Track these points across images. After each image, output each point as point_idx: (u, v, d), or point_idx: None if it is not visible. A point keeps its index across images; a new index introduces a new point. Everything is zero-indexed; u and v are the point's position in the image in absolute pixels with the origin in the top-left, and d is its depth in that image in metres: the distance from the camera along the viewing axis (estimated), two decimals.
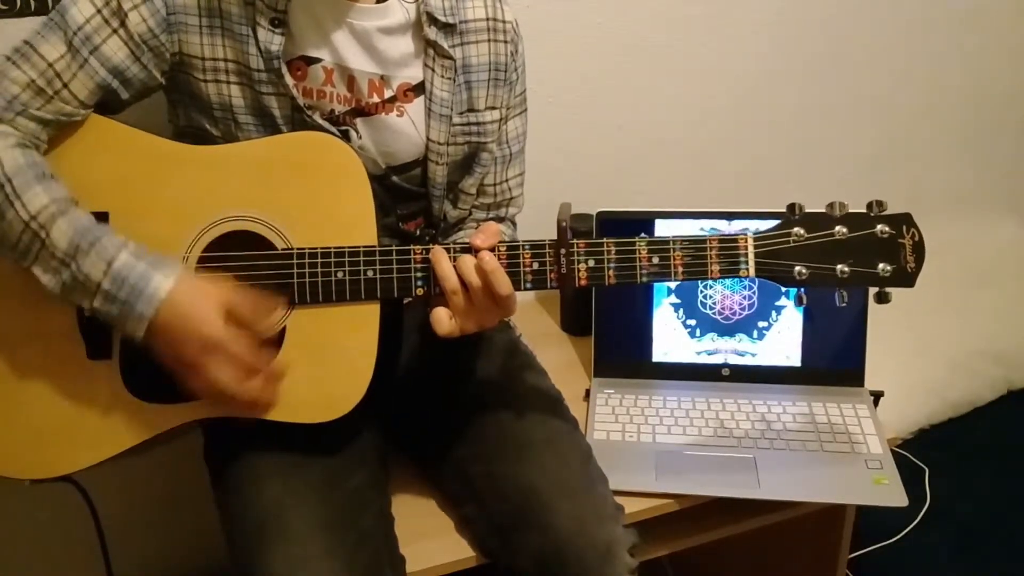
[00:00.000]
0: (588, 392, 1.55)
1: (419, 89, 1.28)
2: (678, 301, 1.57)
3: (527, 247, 1.14)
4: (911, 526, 1.87)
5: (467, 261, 1.12)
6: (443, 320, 1.13)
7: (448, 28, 1.27)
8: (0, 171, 1.08)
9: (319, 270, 1.15)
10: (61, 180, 1.12)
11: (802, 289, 1.15)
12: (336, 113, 1.25)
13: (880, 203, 1.13)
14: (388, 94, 1.26)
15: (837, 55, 2.11)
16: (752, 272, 1.14)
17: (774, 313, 1.55)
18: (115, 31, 1.14)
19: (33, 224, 1.08)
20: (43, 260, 1.09)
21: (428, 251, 1.14)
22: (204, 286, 1.10)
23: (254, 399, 1.13)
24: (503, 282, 1.11)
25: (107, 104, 1.19)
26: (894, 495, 1.32)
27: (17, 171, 1.09)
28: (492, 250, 1.13)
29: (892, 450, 1.41)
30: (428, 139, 1.29)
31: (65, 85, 1.13)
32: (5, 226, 1.08)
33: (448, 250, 1.13)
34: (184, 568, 1.78)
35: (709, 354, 1.57)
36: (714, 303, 1.56)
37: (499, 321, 1.17)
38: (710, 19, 1.93)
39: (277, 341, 1.17)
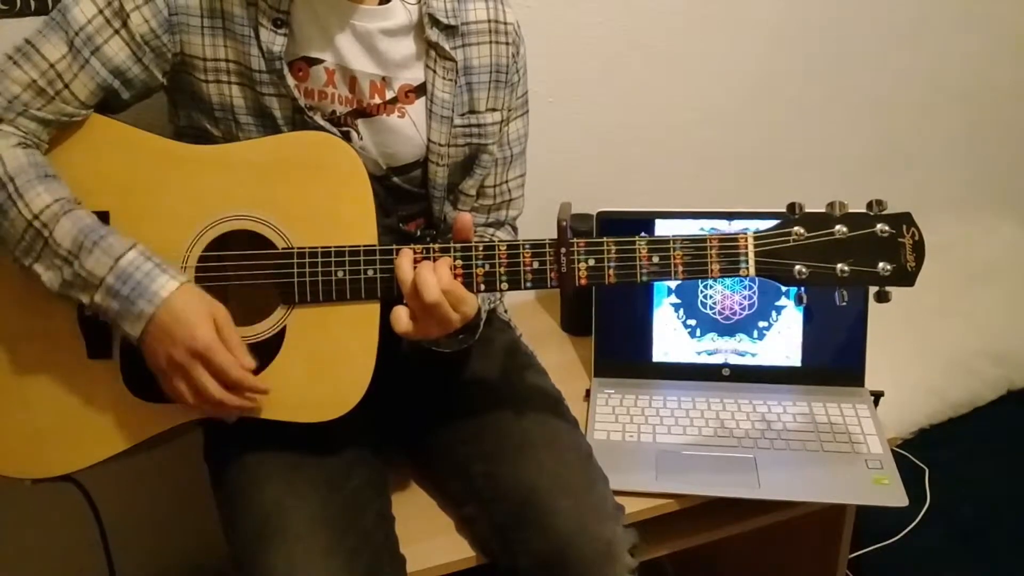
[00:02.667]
0: (588, 392, 1.55)
1: (420, 90, 1.28)
2: (678, 301, 1.57)
3: (527, 246, 1.14)
4: (911, 526, 1.87)
5: (425, 275, 1.11)
6: (401, 319, 1.13)
7: (450, 30, 1.27)
8: (2, 171, 1.09)
9: (319, 269, 1.15)
10: (63, 180, 1.13)
11: (802, 288, 1.15)
12: (337, 114, 1.25)
13: (880, 202, 1.13)
14: (389, 95, 1.26)
15: (837, 55, 2.11)
16: (752, 271, 1.14)
17: (774, 313, 1.55)
18: (117, 31, 1.15)
19: (36, 223, 1.08)
20: (45, 258, 1.09)
21: (429, 251, 1.14)
22: (202, 295, 1.11)
23: (236, 407, 1.13)
24: (464, 298, 1.12)
25: (108, 104, 1.19)
26: (894, 495, 1.33)
27: (19, 171, 1.09)
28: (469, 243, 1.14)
29: (892, 450, 1.41)
30: (429, 140, 1.29)
31: (66, 86, 1.13)
32: (8, 225, 1.09)
33: (428, 252, 1.14)
34: (185, 567, 1.78)
35: (709, 354, 1.57)
36: (714, 303, 1.56)
37: (460, 324, 1.16)
38: (710, 19, 1.93)
39: (277, 341, 1.17)
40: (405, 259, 1.13)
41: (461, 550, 1.27)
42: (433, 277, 1.10)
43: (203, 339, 1.08)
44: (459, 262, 1.14)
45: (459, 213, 1.19)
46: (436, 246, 1.14)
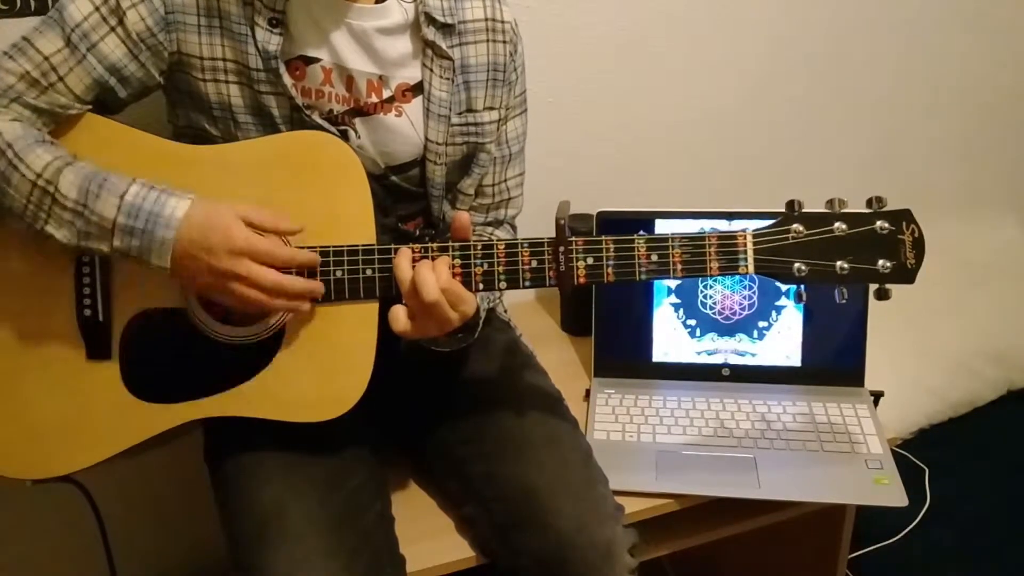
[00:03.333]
0: (588, 392, 1.55)
1: (417, 89, 1.27)
2: (678, 301, 1.57)
3: (525, 245, 1.14)
4: (911, 526, 1.87)
5: (424, 274, 1.10)
6: (399, 318, 1.12)
7: (447, 28, 1.27)
8: (0, 140, 1.09)
9: (318, 269, 1.15)
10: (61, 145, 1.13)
11: (802, 286, 1.15)
12: (335, 113, 1.25)
13: (880, 199, 1.13)
14: (387, 94, 1.26)
15: (837, 55, 2.11)
16: (751, 269, 1.14)
17: (774, 313, 1.55)
18: (113, 29, 1.15)
19: (40, 181, 1.08)
20: (55, 215, 1.09)
21: (428, 251, 1.14)
22: (219, 203, 1.10)
23: (300, 289, 1.12)
24: (463, 297, 1.12)
25: (105, 103, 1.19)
26: (894, 495, 1.32)
27: (16, 138, 1.09)
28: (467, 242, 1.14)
29: (892, 450, 1.41)
30: (426, 139, 1.29)
31: (61, 78, 1.13)
32: (12, 190, 1.09)
33: (425, 251, 1.14)
34: (185, 567, 1.78)
35: (709, 354, 1.57)
36: (714, 303, 1.56)
37: (459, 323, 1.16)
38: (710, 19, 1.93)
39: (276, 341, 1.17)
40: (403, 258, 1.13)
41: (461, 550, 1.27)
42: (432, 276, 1.10)
43: (240, 235, 1.07)
44: (457, 261, 1.14)
45: (457, 212, 1.19)
46: (435, 245, 1.14)
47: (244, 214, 1.09)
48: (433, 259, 1.13)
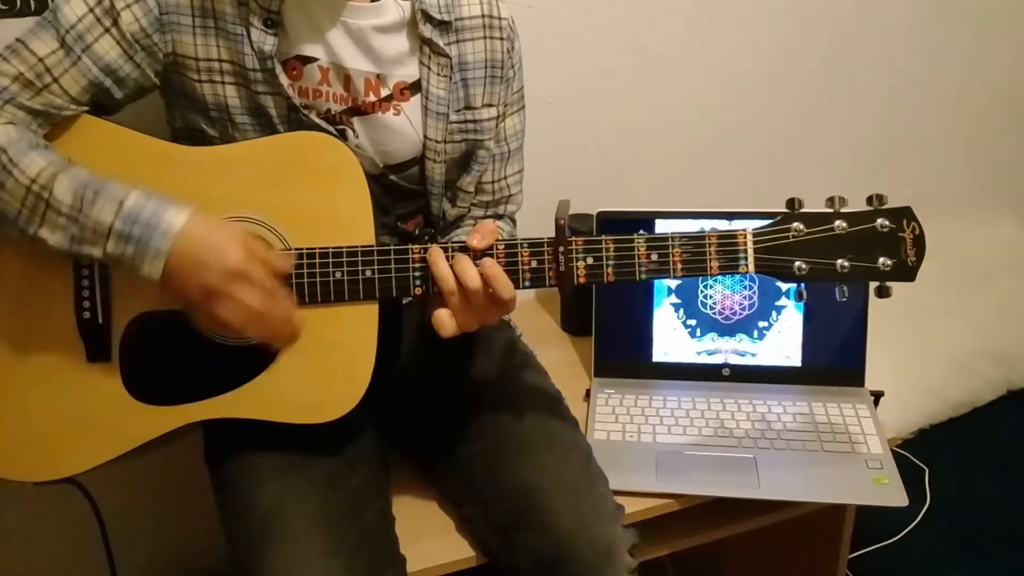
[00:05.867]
0: (588, 392, 1.54)
1: (415, 87, 1.27)
2: (678, 301, 1.57)
3: (525, 245, 1.14)
4: (911, 526, 1.87)
5: (465, 263, 1.11)
6: (445, 322, 1.12)
7: (443, 25, 1.27)
8: None
9: (317, 270, 1.14)
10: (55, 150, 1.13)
11: (802, 284, 1.14)
12: (332, 112, 1.24)
13: (880, 197, 1.12)
14: (384, 93, 1.26)
15: (837, 55, 2.11)
16: (751, 268, 1.14)
17: (774, 313, 1.55)
18: (107, 30, 1.14)
19: (35, 187, 1.07)
20: (49, 220, 1.08)
21: (426, 250, 1.14)
22: (218, 220, 1.10)
23: (280, 317, 1.12)
24: (505, 286, 1.11)
25: (101, 104, 1.19)
26: (894, 495, 1.32)
27: (10, 143, 1.09)
28: (490, 249, 1.13)
29: (892, 450, 1.41)
30: (425, 137, 1.29)
31: (55, 80, 1.13)
32: (7, 195, 1.08)
33: (445, 249, 1.13)
34: (185, 568, 1.78)
35: (709, 354, 1.57)
36: (714, 303, 1.56)
37: (499, 319, 1.16)
38: (710, 19, 1.93)
39: None
40: (439, 255, 1.12)
41: (461, 550, 1.27)
42: (471, 263, 1.11)
43: (238, 258, 1.07)
44: None
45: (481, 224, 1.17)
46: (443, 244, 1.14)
47: (244, 236, 1.10)
48: (451, 259, 1.13)
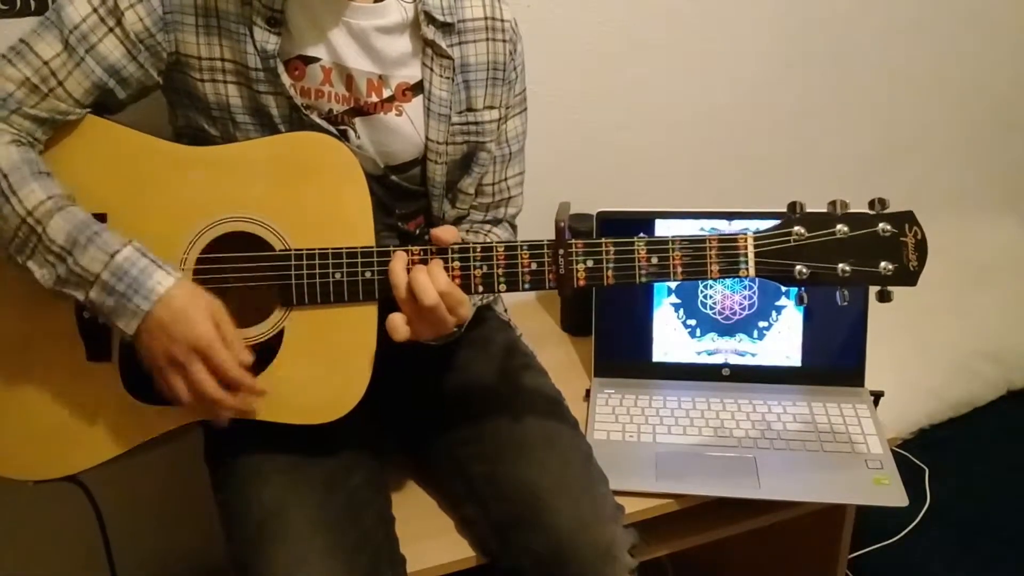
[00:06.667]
0: (588, 392, 1.55)
1: (417, 88, 1.27)
2: (678, 301, 1.57)
3: (525, 247, 1.14)
4: (911, 526, 1.87)
5: (423, 279, 1.10)
6: (398, 327, 1.12)
7: (446, 27, 1.27)
8: None
9: (317, 271, 1.14)
10: (57, 179, 1.13)
11: (803, 288, 1.14)
12: (334, 112, 1.24)
13: (882, 201, 1.12)
14: (387, 93, 1.26)
15: (837, 55, 2.11)
16: (752, 272, 1.13)
17: (774, 313, 1.55)
18: (111, 30, 1.14)
19: (30, 220, 1.08)
20: (39, 255, 1.09)
21: (426, 252, 1.14)
22: (201, 292, 1.11)
23: (232, 407, 1.12)
24: (460, 301, 1.12)
25: (104, 104, 1.19)
26: (894, 495, 1.32)
27: (13, 168, 1.09)
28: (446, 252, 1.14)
29: (892, 450, 1.41)
30: (427, 138, 1.29)
31: (60, 83, 1.13)
32: (1, 221, 1.09)
33: (426, 253, 1.13)
34: (186, 567, 1.78)
35: (709, 354, 1.57)
36: (714, 303, 1.56)
37: (454, 328, 1.16)
38: (710, 19, 1.93)
39: (275, 343, 1.16)
40: (399, 263, 1.13)
41: (461, 550, 1.27)
42: (428, 280, 1.10)
43: (204, 336, 1.08)
44: (457, 263, 1.14)
45: (443, 228, 1.17)
46: (434, 248, 1.14)
47: (219, 315, 1.10)
48: (429, 262, 1.13)
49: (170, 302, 1.07)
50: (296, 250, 1.15)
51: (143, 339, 1.09)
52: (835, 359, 1.54)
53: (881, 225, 1.12)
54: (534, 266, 1.14)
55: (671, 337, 1.57)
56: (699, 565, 1.88)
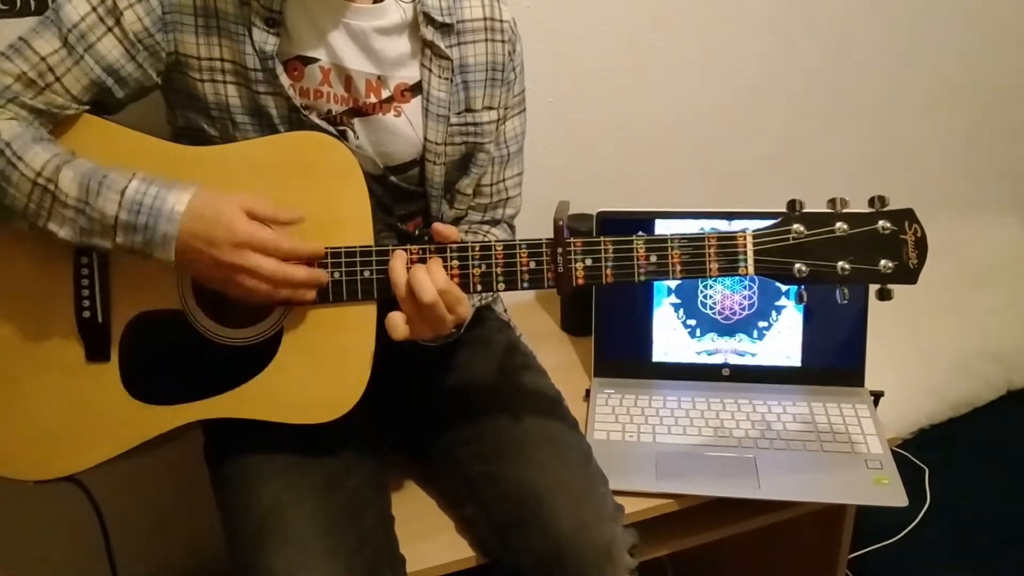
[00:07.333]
0: (588, 392, 1.54)
1: (416, 89, 1.27)
2: (678, 301, 1.57)
3: (523, 246, 1.14)
4: (911, 526, 1.86)
5: (422, 277, 1.10)
6: (398, 325, 1.12)
7: (445, 28, 1.27)
8: None
9: (328, 262, 1.14)
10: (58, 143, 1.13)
11: (802, 287, 1.14)
12: (333, 113, 1.24)
13: (882, 199, 1.12)
14: (385, 94, 1.26)
15: (837, 55, 2.11)
16: (751, 270, 1.13)
17: (774, 313, 1.55)
18: (110, 29, 1.15)
19: (40, 179, 1.08)
20: (56, 213, 1.09)
21: (425, 251, 1.14)
22: (220, 194, 1.10)
23: (306, 279, 1.12)
24: (457, 299, 1.12)
25: (103, 104, 1.19)
26: (894, 495, 1.32)
27: (14, 136, 1.10)
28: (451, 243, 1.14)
29: (892, 450, 1.41)
30: (425, 139, 1.29)
31: (58, 79, 1.13)
32: (13, 189, 1.09)
33: (425, 252, 1.13)
34: (186, 567, 1.78)
35: (709, 354, 1.57)
36: (714, 303, 1.56)
37: (453, 327, 1.16)
38: (710, 19, 1.93)
39: (274, 343, 1.16)
40: (399, 261, 1.13)
41: (461, 550, 1.27)
42: (427, 278, 1.10)
43: (243, 229, 1.08)
44: (455, 262, 1.14)
45: (442, 226, 1.17)
46: (433, 246, 1.14)
47: (247, 205, 1.10)
48: (428, 260, 1.13)
49: (195, 215, 1.07)
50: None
51: (187, 259, 1.08)
52: (835, 359, 1.54)
53: (881, 223, 1.12)
54: (532, 265, 1.14)
55: (671, 337, 1.57)
56: (699, 565, 1.88)
